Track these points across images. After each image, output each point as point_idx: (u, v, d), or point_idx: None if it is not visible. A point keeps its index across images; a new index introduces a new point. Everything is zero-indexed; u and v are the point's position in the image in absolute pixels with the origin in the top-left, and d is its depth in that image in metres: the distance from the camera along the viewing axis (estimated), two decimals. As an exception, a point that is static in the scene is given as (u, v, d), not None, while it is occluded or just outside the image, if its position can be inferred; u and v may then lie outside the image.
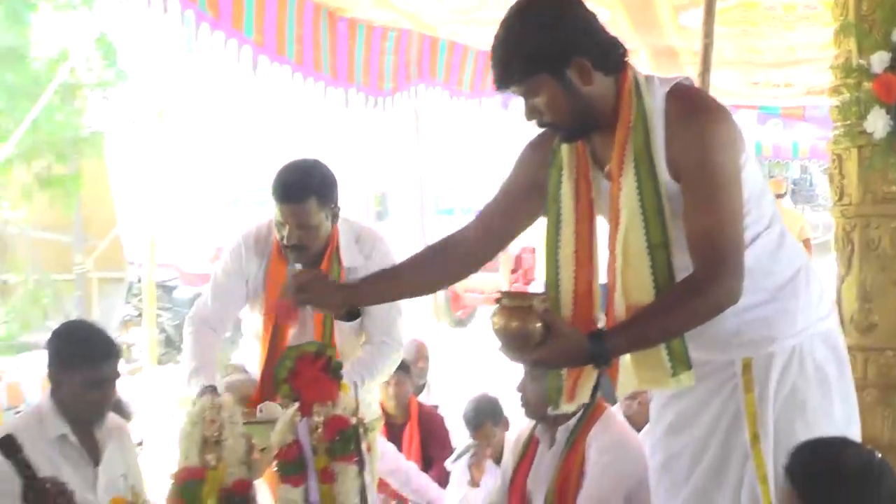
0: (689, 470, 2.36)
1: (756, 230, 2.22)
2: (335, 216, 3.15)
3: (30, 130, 9.12)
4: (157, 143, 6.47)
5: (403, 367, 4.65)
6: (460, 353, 9.07)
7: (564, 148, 2.28)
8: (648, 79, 2.20)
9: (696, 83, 3.69)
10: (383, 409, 4.58)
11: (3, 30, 10.59)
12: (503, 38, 2.14)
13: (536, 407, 3.28)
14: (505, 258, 11.58)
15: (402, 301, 3.04)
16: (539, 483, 3.30)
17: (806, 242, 7.78)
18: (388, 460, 4.36)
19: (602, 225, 2.28)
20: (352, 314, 2.48)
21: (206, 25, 3.64)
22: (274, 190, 3.07)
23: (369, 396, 3.30)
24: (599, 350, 2.07)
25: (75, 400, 2.85)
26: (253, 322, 3.31)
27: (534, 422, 3.40)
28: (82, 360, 2.84)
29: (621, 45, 2.20)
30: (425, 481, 4.53)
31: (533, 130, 2.35)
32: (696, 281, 2.09)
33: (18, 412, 5.11)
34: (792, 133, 9.63)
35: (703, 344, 2.22)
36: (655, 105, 2.15)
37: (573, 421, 3.26)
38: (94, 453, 2.92)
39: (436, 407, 5.14)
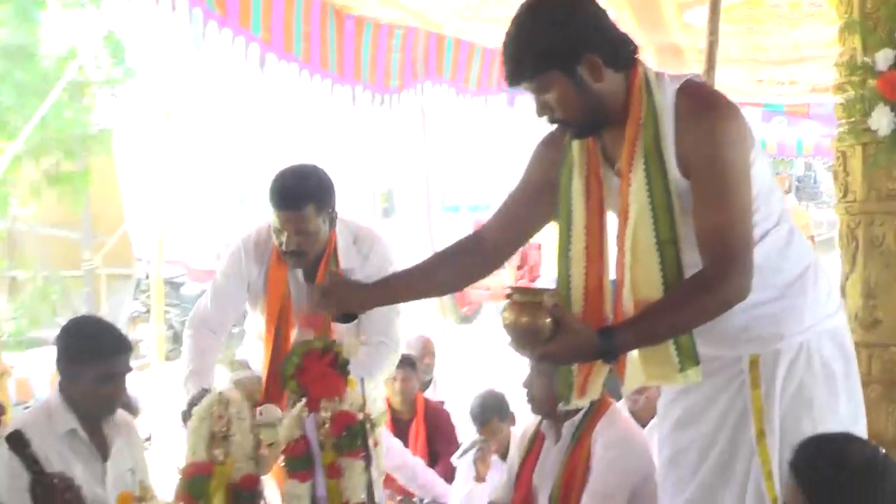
0: (696, 465, 2.36)
1: (765, 227, 2.22)
2: (333, 221, 3.13)
3: (38, 128, 9.17)
4: (164, 140, 6.50)
5: (410, 364, 4.68)
6: (466, 350, 9.08)
7: (575, 144, 2.28)
8: (659, 76, 2.21)
9: (702, 81, 3.68)
10: (389, 405, 4.60)
11: (12, 28, 10.63)
12: (515, 34, 2.14)
13: (542, 403, 3.29)
14: (510, 254, 11.53)
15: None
16: (545, 478, 3.31)
17: (810, 240, 7.77)
18: (395, 456, 4.37)
19: (612, 221, 2.28)
20: (348, 316, 2.48)
21: (213, 23, 3.64)
22: (271, 197, 3.05)
23: (374, 392, 3.32)
24: (608, 346, 2.07)
25: (86, 395, 2.86)
26: (255, 323, 3.31)
27: (540, 417, 3.41)
28: (92, 355, 2.84)
29: (632, 41, 2.21)
30: (431, 476, 4.55)
31: (540, 127, 2.36)
32: (706, 278, 2.09)
33: (27, 407, 5.12)
34: (796, 130, 9.60)
35: (712, 340, 2.22)
36: (666, 102, 2.15)
37: (579, 416, 3.26)
38: (102, 448, 2.93)
39: (442, 403, 5.14)
